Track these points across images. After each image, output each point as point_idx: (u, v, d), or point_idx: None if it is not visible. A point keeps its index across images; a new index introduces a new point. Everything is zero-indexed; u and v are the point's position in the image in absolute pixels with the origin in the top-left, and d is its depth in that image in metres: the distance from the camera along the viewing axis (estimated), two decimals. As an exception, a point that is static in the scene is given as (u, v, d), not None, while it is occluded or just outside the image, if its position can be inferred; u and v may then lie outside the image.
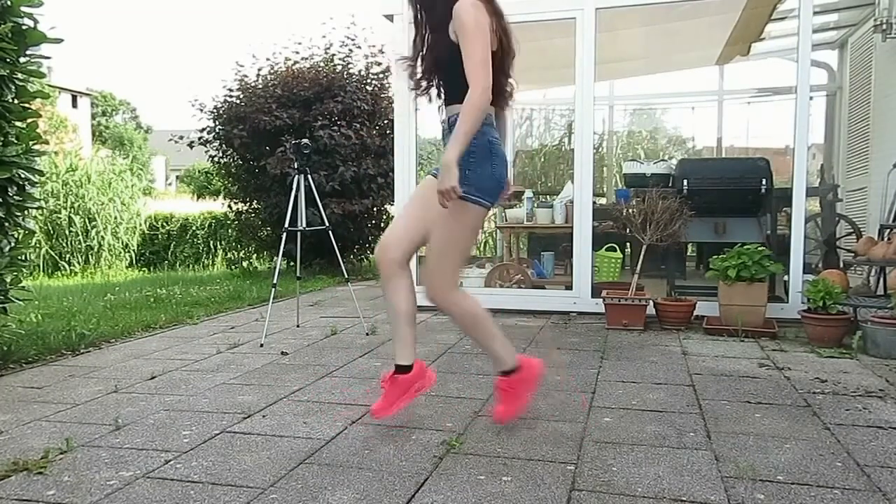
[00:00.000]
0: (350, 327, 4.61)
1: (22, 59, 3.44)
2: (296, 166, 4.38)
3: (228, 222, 11.09)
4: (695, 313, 4.48)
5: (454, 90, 2.30)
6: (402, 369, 2.46)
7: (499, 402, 2.49)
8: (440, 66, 2.35)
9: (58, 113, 30.33)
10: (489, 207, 2.34)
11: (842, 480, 2.01)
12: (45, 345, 3.90)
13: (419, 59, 2.41)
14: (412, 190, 5.25)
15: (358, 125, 8.02)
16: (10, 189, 3.43)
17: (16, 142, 3.43)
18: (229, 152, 8.57)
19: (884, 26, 5.31)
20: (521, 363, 2.49)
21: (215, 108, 8.38)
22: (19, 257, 3.63)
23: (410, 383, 2.47)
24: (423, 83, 2.42)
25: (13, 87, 3.40)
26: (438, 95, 2.42)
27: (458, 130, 2.14)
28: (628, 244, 6.47)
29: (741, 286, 4.19)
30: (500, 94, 2.37)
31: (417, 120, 5.25)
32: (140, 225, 12.53)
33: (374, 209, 8.51)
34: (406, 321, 2.44)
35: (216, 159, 8.74)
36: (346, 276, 4.83)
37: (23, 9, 3.36)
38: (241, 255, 10.56)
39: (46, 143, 4.04)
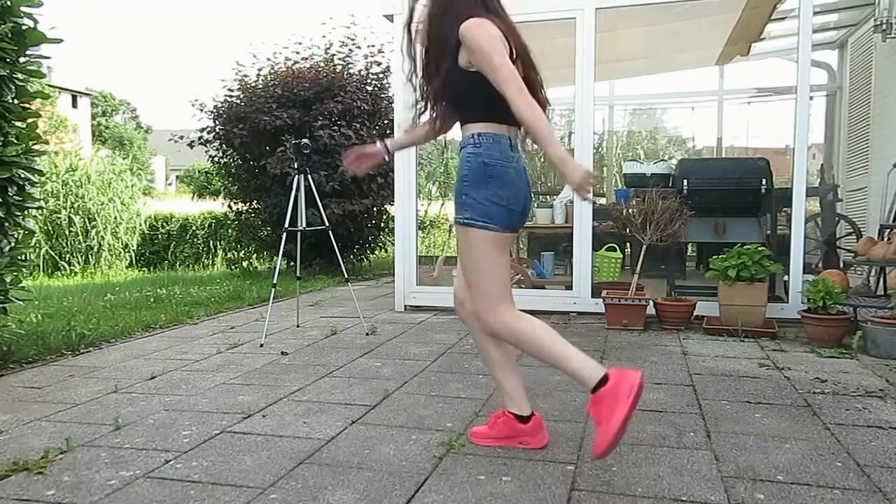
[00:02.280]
0: (350, 327, 4.61)
1: (22, 60, 3.44)
2: (296, 166, 4.38)
3: (228, 222, 11.09)
4: (695, 313, 4.48)
5: (469, 113, 2.19)
6: (520, 419, 2.27)
7: (596, 430, 2.02)
8: (454, 96, 2.21)
9: (58, 113, 30.36)
10: (502, 231, 2.15)
11: (842, 480, 2.01)
12: (45, 345, 3.90)
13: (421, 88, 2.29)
14: (412, 190, 5.29)
15: (358, 125, 8.01)
16: (9, 189, 3.43)
17: (16, 142, 3.43)
18: (229, 152, 8.56)
19: (884, 26, 5.31)
20: (611, 374, 2.02)
21: (215, 107, 8.37)
22: (19, 257, 3.63)
23: (519, 433, 2.27)
24: (427, 109, 2.33)
25: (13, 88, 3.40)
26: (438, 121, 2.33)
27: (538, 136, 2.03)
28: (628, 244, 6.47)
29: (741, 286, 4.19)
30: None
31: (417, 120, 5.24)
32: (140, 225, 12.52)
33: (374, 209, 8.50)
34: (500, 366, 2.29)
35: (216, 159, 8.73)
36: (346, 276, 4.83)
37: (22, 9, 3.36)
38: (241, 255, 10.56)
39: (46, 143, 4.04)
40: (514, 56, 2.12)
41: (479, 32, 2.06)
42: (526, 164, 2.26)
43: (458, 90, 2.17)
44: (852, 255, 4.96)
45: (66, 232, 11.36)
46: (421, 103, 2.32)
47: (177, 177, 40.33)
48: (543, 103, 2.21)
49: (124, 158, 14.47)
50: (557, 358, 2.09)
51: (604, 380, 2.00)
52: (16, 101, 3.43)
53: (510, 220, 2.15)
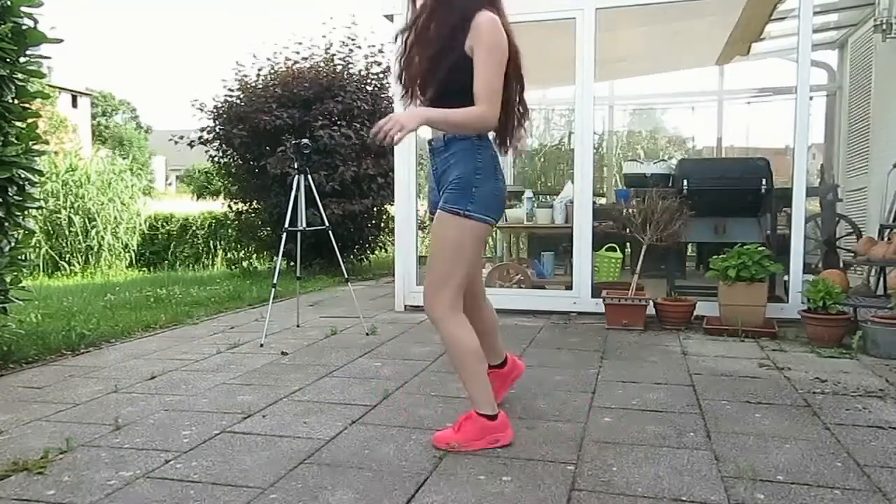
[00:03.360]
0: (350, 327, 4.61)
1: (22, 59, 3.44)
2: (296, 166, 4.38)
3: (228, 222, 11.08)
4: (695, 313, 4.48)
5: (453, 106, 2.14)
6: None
7: (453, 426, 2.31)
8: (440, 82, 2.18)
9: (58, 113, 30.35)
10: (493, 224, 2.26)
11: (842, 480, 2.01)
12: (45, 345, 3.90)
13: (406, 65, 2.29)
14: (412, 190, 5.29)
15: (358, 125, 8.01)
16: (9, 189, 3.43)
17: (16, 142, 3.43)
18: (229, 152, 8.56)
19: (884, 26, 5.30)
20: (500, 418, 2.29)
21: (215, 107, 8.37)
22: (19, 257, 3.63)
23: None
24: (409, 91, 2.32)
25: (13, 87, 3.39)
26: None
27: (445, 114, 2.08)
28: (628, 244, 6.47)
29: (741, 286, 4.19)
30: (503, 133, 2.33)
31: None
32: (140, 225, 12.52)
33: (374, 209, 8.50)
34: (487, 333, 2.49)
35: (216, 159, 8.73)
36: (346, 276, 4.83)
37: (23, 9, 3.36)
38: (241, 255, 10.55)
39: (46, 143, 4.03)
40: (508, 59, 2.16)
41: (494, 35, 2.09)
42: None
43: (465, 79, 2.13)
44: (852, 255, 4.96)
45: (66, 232, 11.36)
46: (408, 99, 2.33)
47: (177, 177, 40.34)
48: (523, 113, 2.33)
49: (124, 158, 14.48)
50: (471, 380, 2.28)
51: (494, 416, 2.27)
52: (16, 101, 3.43)
53: (500, 213, 2.27)
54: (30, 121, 3.55)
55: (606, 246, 5.90)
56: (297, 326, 4.67)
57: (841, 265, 5.67)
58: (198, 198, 14.35)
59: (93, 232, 11.54)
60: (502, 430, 2.30)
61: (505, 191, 2.30)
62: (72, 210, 11.44)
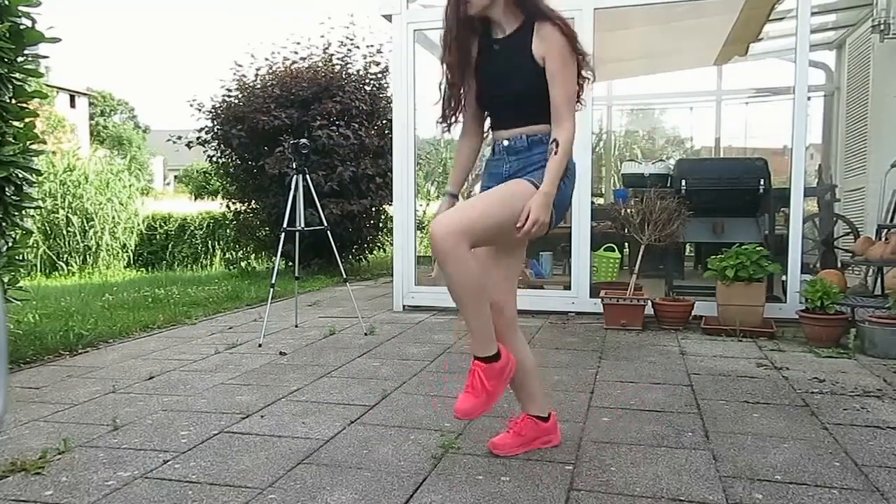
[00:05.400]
0: (348, 327, 4.61)
1: (19, 59, 3.43)
2: (294, 166, 4.38)
3: (227, 222, 11.07)
4: (693, 313, 4.49)
5: (524, 112, 2.11)
6: (542, 419, 2.28)
7: (466, 389, 2.12)
8: (518, 89, 2.10)
9: (55, 112, 30.29)
10: (553, 226, 2.13)
11: (839, 480, 2.02)
12: (43, 345, 3.89)
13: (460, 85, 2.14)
14: (411, 190, 5.29)
15: (356, 125, 8.00)
16: (7, 189, 3.43)
17: (13, 141, 3.42)
18: (227, 152, 8.55)
19: (882, 27, 5.30)
20: (502, 352, 2.14)
21: (213, 108, 8.36)
22: (17, 257, 3.62)
23: (543, 433, 2.29)
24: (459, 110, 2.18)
25: (11, 87, 3.39)
26: (477, 124, 2.23)
27: (557, 166, 2.01)
28: (626, 244, 6.48)
29: (739, 286, 4.20)
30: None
31: (416, 120, 5.25)
32: (138, 225, 12.50)
33: (373, 209, 8.49)
34: (526, 370, 2.28)
35: (214, 159, 8.72)
36: (345, 276, 4.82)
37: (20, 8, 3.36)
38: (239, 255, 10.53)
39: (44, 142, 4.03)
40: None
41: (571, 41, 2.04)
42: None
43: (538, 86, 2.06)
44: (850, 255, 4.97)
45: (64, 232, 11.34)
46: (452, 112, 2.18)
47: (175, 177, 40.28)
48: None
49: (122, 158, 14.46)
50: (468, 313, 2.06)
51: (497, 355, 2.11)
52: (13, 101, 3.43)
53: (560, 220, 2.17)
54: (27, 120, 3.54)
55: (605, 246, 5.91)
56: (296, 326, 4.67)
57: (839, 265, 5.68)
58: (196, 198, 14.35)
59: (91, 232, 11.53)
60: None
61: (570, 201, 2.24)
62: (70, 210, 11.42)
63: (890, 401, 2.81)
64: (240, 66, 8.49)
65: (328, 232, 4.61)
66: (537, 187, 2.03)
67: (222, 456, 2.25)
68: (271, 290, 4.38)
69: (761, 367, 3.40)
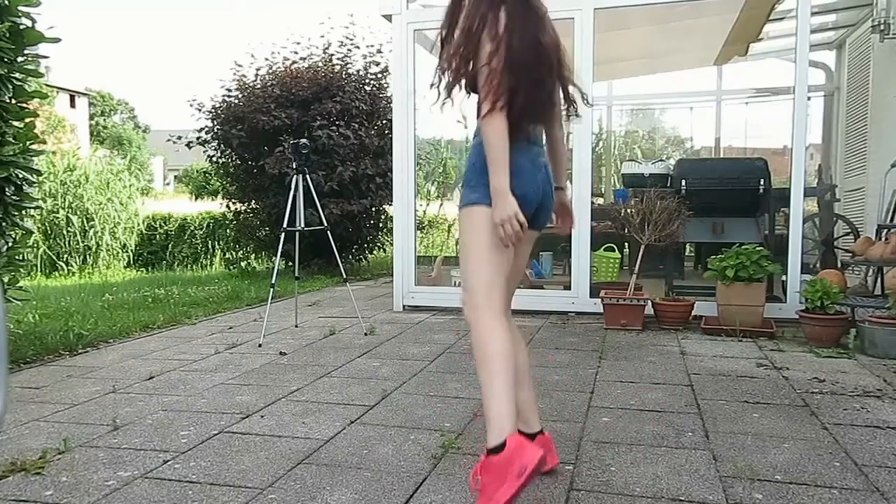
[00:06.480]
0: (348, 327, 4.61)
1: (19, 59, 3.44)
2: (294, 166, 4.38)
3: (227, 222, 11.08)
4: (693, 313, 4.49)
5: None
6: (528, 436, 1.93)
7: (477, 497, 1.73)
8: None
9: (55, 113, 30.28)
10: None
11: (839, 480, 2.02)
12: (43, 345, 3.89)
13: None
14: (411, 190, 5.28)
15: (356, 125, 8.01)
16: (7, 189, 3.43)
17: (13, 141, 3.43)
18: (227, 152, 8.55)
19: (881, 27, 5.30)
20: (510, 443, 1.70)
21: (214, 108, 8.37)
22: (17, 257, 3.62)
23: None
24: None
25: (11, 87, 3.39)
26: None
27: (488, 157, 1.88)
28: (626, 244, 6.48)
29: (739, 286, 4.20)
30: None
31: (416, 120, 5.25)
32: (138, 225, 12.50)
33: (373, 209, 8.49)
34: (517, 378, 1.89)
35: (214, 159, 8.73)
36: (345, 276, 4.82)
37: (20, 8, 3.36)
38: (239, 255, 10.55)
39: (44, 142, 4.03)
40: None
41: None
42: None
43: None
44: (850, 255, 4.97)
45: (64, 232, 11.34)
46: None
47: (175, 177, 40.29)
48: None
49: (122, 158, 14.46)
50: (486, 392, 1.79)
51: (501, 446, 1.70)
52: (13, 101, 3.43)
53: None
54: (27, 120, 3.55)
55: (605, 246, 5.91)
56: (296, 326, 4.67)
57: (838, 265, 5.68)
58: (196, 198, 14.35)
59: (91, 232, 11.53)
60: (520, 452, 1.69)
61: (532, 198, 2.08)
62: (70, 210, 11.42)
63: (890, 401, 2.81)
64: (240, 66, 8.50)
65: (328, 232, 4.61)
66: (465, 204, 1.93)
67: (222, 456, 2.25)
68: (271, 290, 4.38)
69: (761, 367, 3.40)
